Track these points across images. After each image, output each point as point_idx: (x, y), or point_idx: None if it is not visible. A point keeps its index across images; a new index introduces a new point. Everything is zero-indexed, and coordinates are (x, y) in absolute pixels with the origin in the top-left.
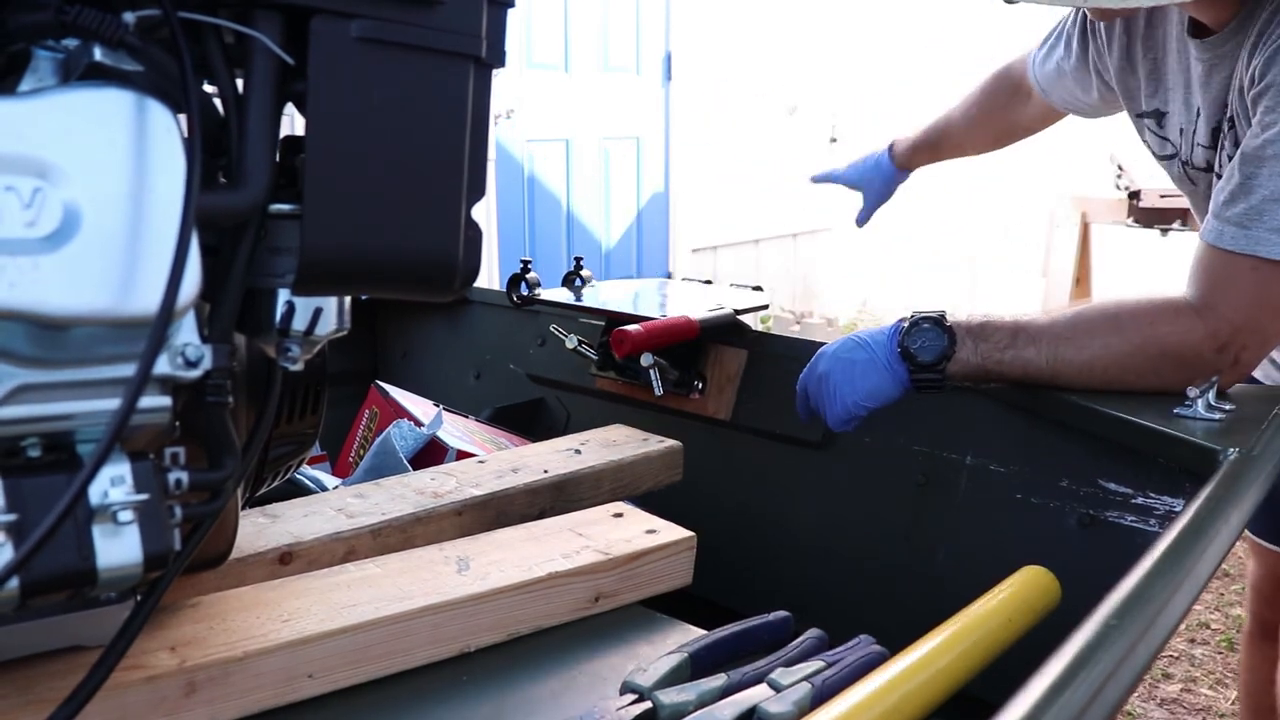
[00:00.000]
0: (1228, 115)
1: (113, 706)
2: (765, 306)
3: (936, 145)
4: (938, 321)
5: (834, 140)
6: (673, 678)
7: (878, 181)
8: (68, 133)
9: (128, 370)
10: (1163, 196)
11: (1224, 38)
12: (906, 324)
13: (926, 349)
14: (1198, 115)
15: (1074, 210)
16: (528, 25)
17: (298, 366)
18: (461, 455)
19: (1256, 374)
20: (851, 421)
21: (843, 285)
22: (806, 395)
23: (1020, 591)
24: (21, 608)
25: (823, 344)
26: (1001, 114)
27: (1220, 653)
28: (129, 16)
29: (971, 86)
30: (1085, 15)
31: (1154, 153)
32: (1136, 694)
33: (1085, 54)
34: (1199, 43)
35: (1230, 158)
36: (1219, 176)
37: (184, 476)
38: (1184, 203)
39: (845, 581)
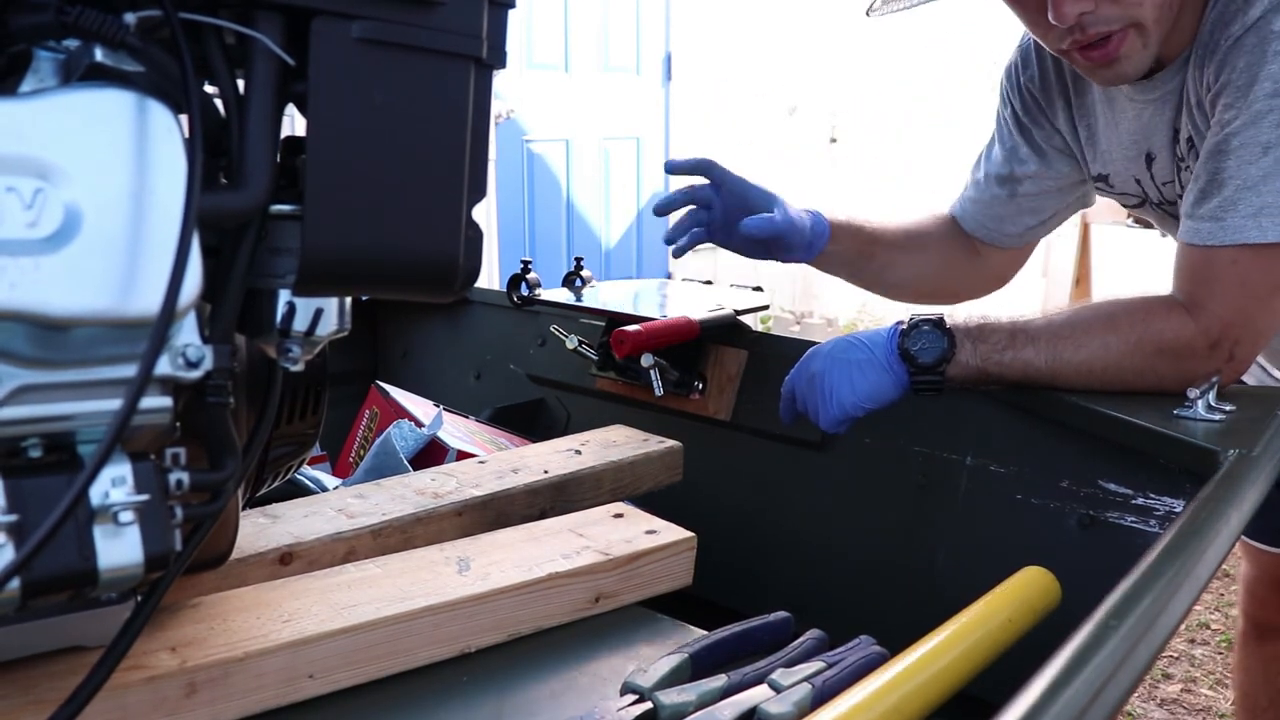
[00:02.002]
0: (1185, 137)
1: (113, 707)
2: (765, 307)
3: (868, 247)
4: (937, 324)
5: (834, 140)
6: (673, 678)
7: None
8: (69, 133)
9: (129, 371)
10: None
11: (1172, 73)
12: (905, 326)
13: (927, 351)
14: (1150, 159)
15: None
16: (528, 25)
17: (298, 367)
18: (462, 456)
19: (1247, 378)
20: (845, 423)
21: (843, 285)
22: (794, 397)
23: (1020, 592)
24: (22, 608)
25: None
26: (959, 271)
27: (1220, 653)
28: (130, 17)
29: (906, 224)
30: (1014, 115)
31: (1124, 206)
32: (1136, 694)
33: (1037, 146)
34: (1142, 84)
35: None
36: None
37: (185, 477)
38: None
39: (845, 582)
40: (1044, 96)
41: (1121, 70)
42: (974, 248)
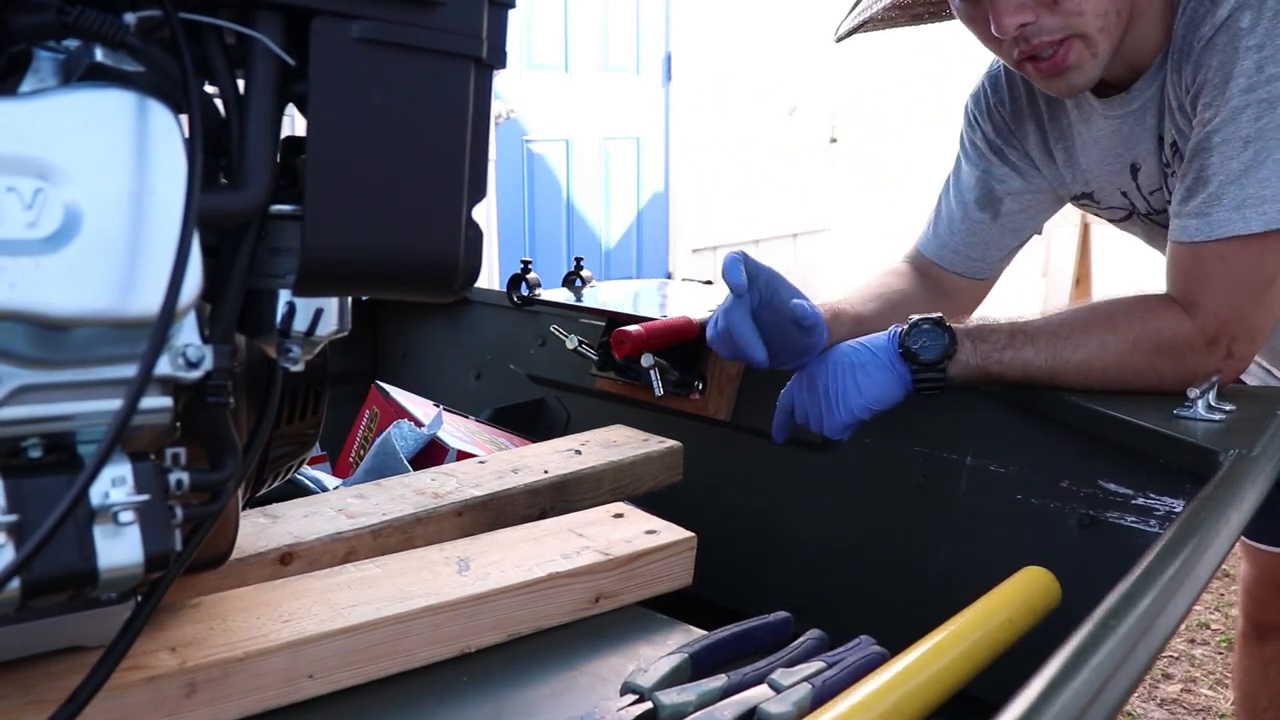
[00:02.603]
0: (1170, 142)
1: (113, 707)
2: None
3: (855, 327)
4: (937, 322)
5: (834, 140)
6: (673, 678)
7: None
8: (69, 133)
9: (129, 371)
10: None
11: (1148, 81)
12: (906, 326)
13: (928, 348)
14: (1135, 169)
15: (1074, 210)
16: (528, 25)
17: (298, 367)
18: (462, 456)
19: (1249, 379)
20: (851, 428)
21: (843, 285)
22: (792, 409)
23: (1020, 592)
24: (22, 608)
25: None
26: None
27: (1220, 653)
28: (130, 17)
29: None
30: (985, 137)
31: (1111, 221)
32: (1136, 694)
33: (1014, 165)
34: (1120, 97)
35: None
36: None
37: (185, 477)
38: None
39: (845, 582)
40: (1014, 121)
41: (1072, 80)
42: (943, 287)
